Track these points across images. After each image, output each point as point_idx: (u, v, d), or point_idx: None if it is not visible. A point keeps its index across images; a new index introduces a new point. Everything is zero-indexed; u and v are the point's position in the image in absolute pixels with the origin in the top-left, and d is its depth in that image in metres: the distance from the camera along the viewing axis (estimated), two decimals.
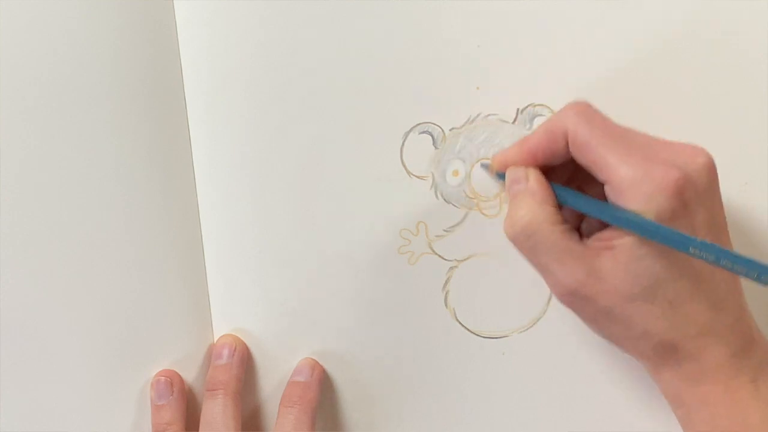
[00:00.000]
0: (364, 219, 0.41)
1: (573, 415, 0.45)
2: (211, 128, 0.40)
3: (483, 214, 0.42)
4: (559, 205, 0.37)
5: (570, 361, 0.43)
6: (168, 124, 0.40)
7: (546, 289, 0.38)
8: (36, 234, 0.39)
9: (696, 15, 0.40)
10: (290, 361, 0.43)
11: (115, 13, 0.38)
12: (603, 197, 0.35)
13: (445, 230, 0.42)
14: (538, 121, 0.41)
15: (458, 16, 0.39)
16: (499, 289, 0.42)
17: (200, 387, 0.43)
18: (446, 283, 0.43)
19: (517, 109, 0.41)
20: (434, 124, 0.41)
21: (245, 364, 0.42)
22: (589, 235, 0.36)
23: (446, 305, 0.43)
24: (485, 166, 0.41)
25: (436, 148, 0.41)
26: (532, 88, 0.41)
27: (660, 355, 0.36)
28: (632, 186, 0.33)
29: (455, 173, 0.41)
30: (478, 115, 0.41)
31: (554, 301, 0.41)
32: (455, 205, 0.42)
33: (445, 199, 0.42)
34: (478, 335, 0.43)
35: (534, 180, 0.37)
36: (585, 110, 0.36)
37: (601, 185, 0.35)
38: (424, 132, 0.41)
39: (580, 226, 0.39)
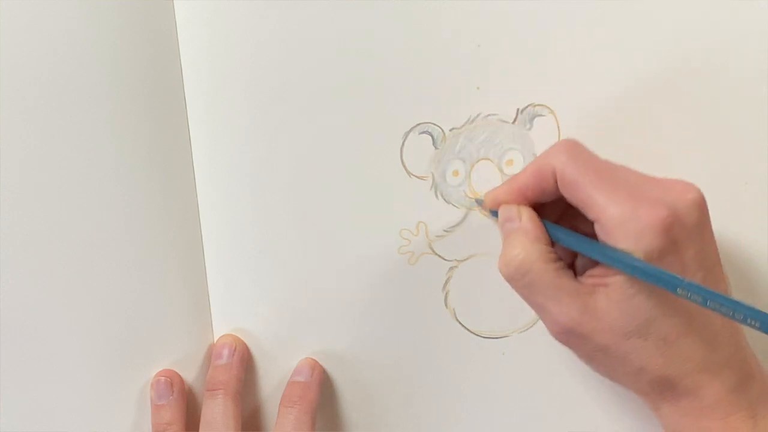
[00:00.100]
0: (364, 219, 0.41)
1: (573, 415, 0.45)
2: (211, 128, 0.40)
3: (483, 214, 0.42)
4: (552, 243, 0.37)
5: (570, 361, 0.43)
6: (168, 124, 0.40)
7: None
8: (36, 234, 0.39)
9: (698, 15, 0.40)
10: (290, 361, 0.43)
11: (115, 13, 0.38)
12: (595, 233, 0.35)
13: (445, 230, 0.42)
14: (538, 121, 0.41)
15: (458, 16, 0.39)
16: (499, 289, 0.42)
17: (200, 387, 0.43)
18: (446, 283, 0.43)
19: (517, 109, 0.41)
20: (434, 124, 0.41)
21: (245, 364, 0.42)
22: (584, 271, 0.36)
23: (446, 305, 0.43)
24: (479, 203, 0.41)
25: (436, 148, 0.41)
26: (532, 88, 0.41)
27: (657, 391, 0.36)
28: (620, 225, 0.33)
29: (455, 173, 0.41)
30: (478, 115, 0.41)
31: None
32: (455, 205, 0.42)
33: (445, 199, 0.42)
34: (478, 335, 0.43)
35: (526, 218, 0.37)
36: (573, 148, 0.36)
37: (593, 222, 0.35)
38: (424, 132, 0.41)
39: (575, 262, 0.39)
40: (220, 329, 0.43)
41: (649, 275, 0.33)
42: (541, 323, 0.38)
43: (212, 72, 0.39)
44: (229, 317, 0.43)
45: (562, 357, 0.43)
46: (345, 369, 0.43)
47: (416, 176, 0.41)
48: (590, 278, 0.36)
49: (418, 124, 0.41)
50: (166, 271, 0.41)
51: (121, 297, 0.41)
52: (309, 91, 0.40)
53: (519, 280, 0.36)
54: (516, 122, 0.41)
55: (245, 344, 0.43)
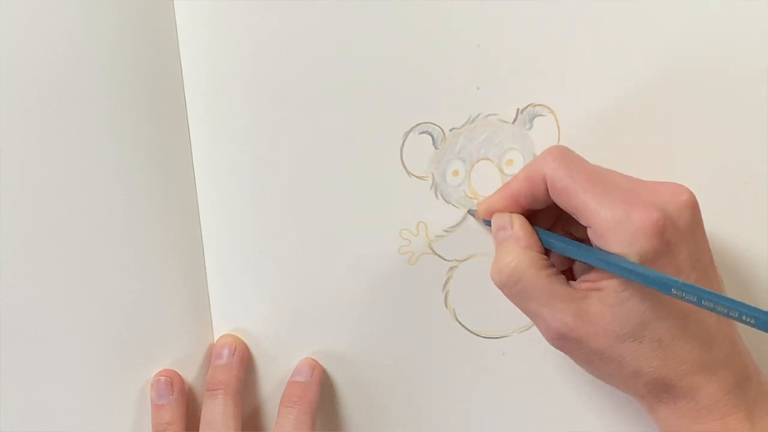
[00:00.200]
0: (364, 219, 0.41)
1: (573, 415, 0.45)
2: (211, 128, 0.40)
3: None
4: (547, 250, 0.37)
5: (570, 361, 0.43)
6: (168, 124, 0.40)
7: None
8: (36, 234, 0.39)
9: (698, 15, 0.40)
10: (290, 361, 0.43)
11: (115, 13, 0.38)
12: (589, 238, 0.35)
13: (445, 230, 0.42)
14: (538, 121, 0.41)
15: (458, 16, 0.39)
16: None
17: (200, 387, 0.43)
18: (446, 283, 0.43)
19: (517, 109, 0.41)
20: (434, 124, 0.41)
21: (245, 364, 0.42)
22: (581, 275, 0.36)
23: (446, 305, 0.43)
24: (472, 213, 0.41)
25: (436, 148, 0.41)
26: (532, 88, 0.41)
27: (654, 393, 0.36)
28: (613, 229, 0.34)
29: (455, 173, 0.41)
30: (478, 115, 0.41)
31: None
32: (455, 205, 0.42)
33: (445, 199, 0.42)
34: (478, 335, 0.43)
35: (518, 226, 0.37)
36: (562, 155, 0.36)
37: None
38: (424, 132, 0.41)
39: (572, 267, 0.39)
40: (220, 329, 0.43)
41: (642, 277, 0.33)
42: None
43: (212, 72, 0.39)
44: (229, 317, 0.43)
45: (562, 357, 0.43)
46: (345, 369, 0.43)
47: (416, 176, 0.41)
48: (584, 283, 0.36)
49: (418, 124, 0.41)
50: (166, 271, 0.41)
51: (121, 297, 0.41)
52: (309, 91, 0.40)
53: (511, 287, 0.36)
54: (516, 122, 0.41)
55: (245, 344, 0.43)
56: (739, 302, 0.31)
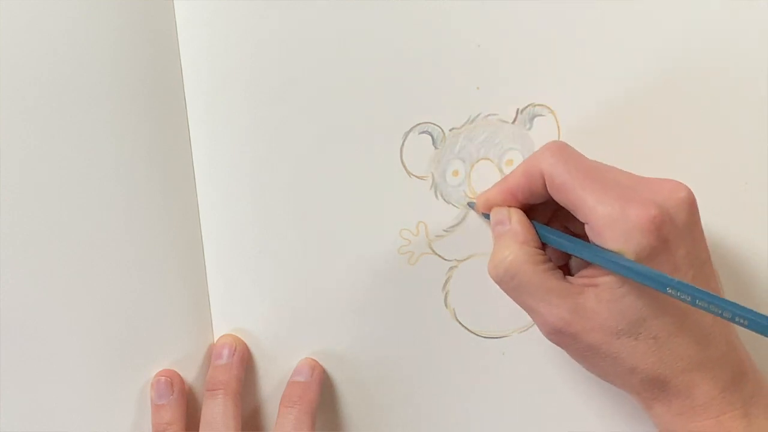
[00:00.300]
0: (364, 219, 0.41)
1: (573, 415, 0.45)
2: (211, 128, 0.40)
3: (478, 215, 0.42)
4: (544, 245, 0.37)
5: (570, 360, 0.43)
6: (168, 124, 0.40)
7: None
8: (36, 234, 0.39)
9: (698, 15, 0.40)
10: (290, 361, 0.43)
11: (115, 13, 0.38)
12: (586, 234, 0.35)
13: (445, 230, 0.42)
14: (538, 121, 0.41)
15: (458, 16, 0.39)
16: (499, 289, 0.42)
17: (200, 387, 0.43)
18: (446, 283, 0.43)
19: (517, 109, 0.41)
20: (434, 124, 0.41)
21: (245, 364, 0.42)
22: (578, 271, 0.36)
23: (446, 305, 0.43)
24: (472, 206, 0.41)
25: (436, 148, 0.41)
26: (532, 88, 0.41)
27: (649, 390, 0.36)
28: (610, 225, 0.34)
29: (455, 173, 0.41)
30: (478, 115, 0.41)
31: None
32: (455, 205, 0.42)
33: (445, 199, 0.42)
34: (478, 335, 0.43)
35: (516, 221, 0.37)
36: (560, 151, 0.36)
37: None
38: (424, 132, 0.41)
39: (569, 263, 0.39)
40: (220, 329, 0.43)
41: (638, 275, 0.33)
42: None
43: (212, 72, 0.39)
44: (229, 317, 0.43)
45: (562, 357, 0.43)
46: (345, 369, 0.43)
47: (416, 176, 0.41)
48: (581, 278, 0.36)
49: (418, 124, 0.41)
50: (166, 271, 0.41)
51: (121, 297, 0.41)
52: (309, 91, 0.40)
53: (508, 282, 0.36)
54: (516, 122, 0.41)
55: (245, 344, 0.43)
56: (732, 303, 0.31)
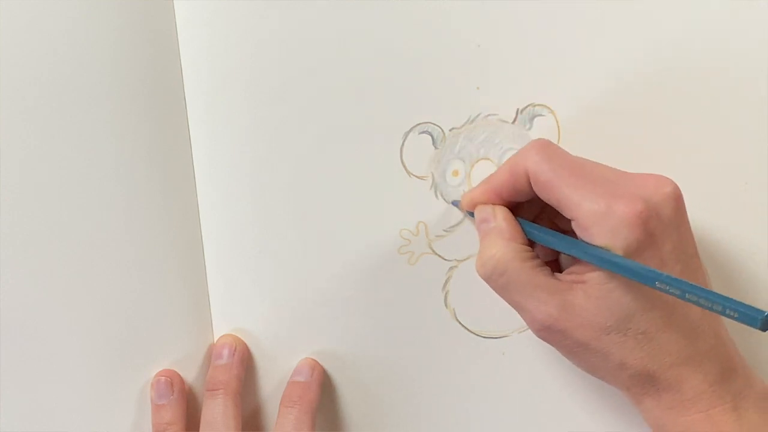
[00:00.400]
0: (364, 219, 0.41)
1: (573, 415, 0.45)
2: (211, 128, 0.40)
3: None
4: (531, 242, 0.37)
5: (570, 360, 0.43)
6: (168, 124, 0.40)
7: None
8: (36, 234, 0.39)
9: (698, 15, 0.40)
10: (290, 361, 0.43)
11: (115, 13, 0.38)
12: (573, 231, 0.35)
13: (445, 230, 0.42)
14: (538, 121, 0.41)
15: (458, 16, 0.39)
16: None
17: (200, 387, 0.43)
18: (446, 283, 0.43)
19: (517, 109, 0.41)
20: (434, 124, 0.41)
21: (245, 364, 0.42)
22: (567, 267, 0.36)
23: (446, 305, 0.43)
24: (456, 204, 0.41)
25: (436, 148, 0.41)
26: (532, 88, 0.41)
27: (639, 385, 0.36)
28: (597, 221, 0.34)
29: (455, 173, 0.41)
30: (478, 115, 0.41)
31: None
32: (455, 205, 0.42)
33: (445, 199, 0.42)
34: (478, 335, 0.43)
35: (501, 218, 0.37)
36: (545, 148, 0.36)
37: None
38: (424, 132, 0.41)
39: (558, 259, 0.39)
40: (220, 329, 0.43)
41: (626, 270, 0.33)
42: None
43: (212, 72, 0.39)
44: (229, 317, 0.43)
45: (562, 357, 0.43)
46: (345, 369, 0.43)
47: (416, 176, 0.41)
48: (569, 275, 0.36)
49: (418, 124, 0.41)
50: (166, 271, 0.41)
51: (121, 297, 0.41)
52: (309, 91, 0.40)
53: (496, 280, 0.36)
54: (516, 122, 0.41)
55: (245, 344, 0.43)
56: (721, 296, 0.31)
